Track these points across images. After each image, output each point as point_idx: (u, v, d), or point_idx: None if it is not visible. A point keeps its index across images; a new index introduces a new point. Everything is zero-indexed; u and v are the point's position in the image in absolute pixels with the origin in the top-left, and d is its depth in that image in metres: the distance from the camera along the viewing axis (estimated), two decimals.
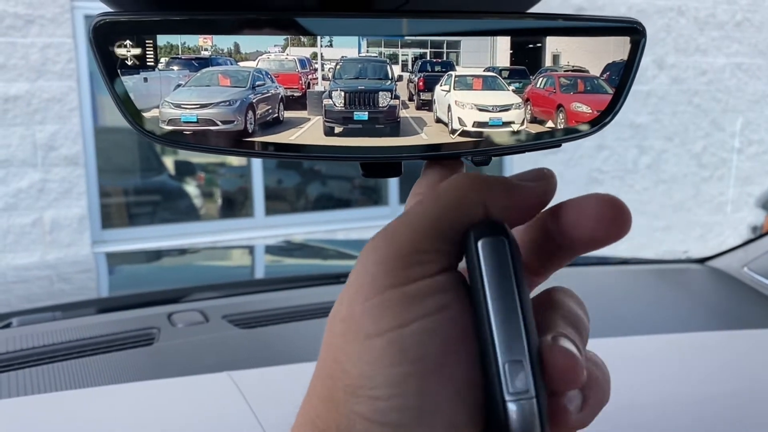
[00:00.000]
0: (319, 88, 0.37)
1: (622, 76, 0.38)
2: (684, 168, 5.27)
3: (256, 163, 4.11)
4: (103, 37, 0.34)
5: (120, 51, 0.34)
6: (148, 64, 0.35)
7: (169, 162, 4.27)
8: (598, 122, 0.39)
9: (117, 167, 3.97)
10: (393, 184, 4.37)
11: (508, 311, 0.29)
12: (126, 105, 0.35)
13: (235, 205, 4.34)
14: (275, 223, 4.19)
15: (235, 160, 4.36)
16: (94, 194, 3.71)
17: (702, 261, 1.38)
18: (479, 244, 0.29)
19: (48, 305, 1.10)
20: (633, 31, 0.38)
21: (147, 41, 0.35)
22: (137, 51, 0.34)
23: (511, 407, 0.28)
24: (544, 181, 0.32)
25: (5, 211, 3.47)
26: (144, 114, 0.36)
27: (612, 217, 0.31)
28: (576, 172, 4.85)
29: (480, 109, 0.38)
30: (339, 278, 1.31)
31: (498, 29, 0.38)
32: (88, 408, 0.75)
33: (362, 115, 0.37)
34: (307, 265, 1.83)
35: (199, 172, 4.34)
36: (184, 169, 4.32)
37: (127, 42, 0.34)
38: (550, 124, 0.39)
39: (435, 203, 0.30)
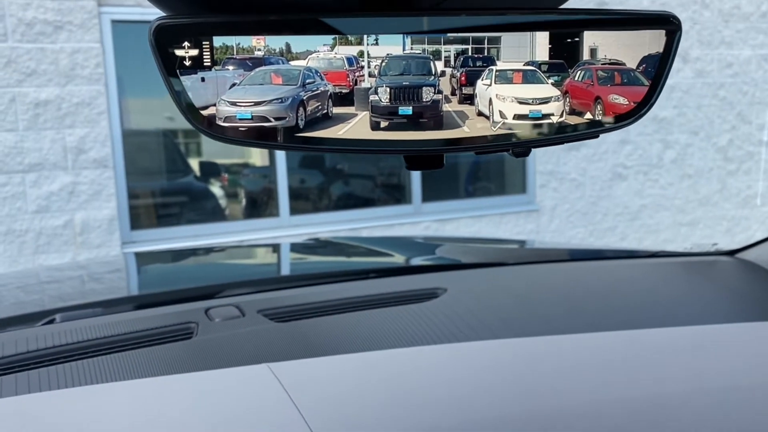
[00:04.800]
0: (365, 84, 0.39)
1: (658, 68, 0.40)
2: (710, 162, 5.21)
3: (281, 164, 4.15)
4: (161, 39, 0.36)
5: (179, 52, 0.36)
6: (204, 64, 0.37)
7: (194, 164, 4.32)
8: (635, 113, 0.40)
9: (144, 169, 4.03)
10: (416, 182, 4.38)
11: None
12: (184, 103, 0.37)
13: (260, 205, 4.38)
14: (300, 222, 4.23)
15: (258, 161, 4.40)
16: (123, 196, 3.78)
17: (732, 253, 1.37)
18: None
19: (89, 302, 1.13)
20: (668, 23, 0.39)
21: (204, 43, 0.37)
22: (194, 52, 0.37)
23: None
24: None
25: (37, 214, 3.55)
26: (201, 111, 0.38)
27: None
28: (599, 167, 4.82)
29: (520, 102, 0.40)
30: (367, 274, 1.32)
31: (532, 23, 0.39)
32: (133, 399, 0.77)
33: (407, 109, 0.39)
34: (333, 262, 1.85)
35: (222, 173, 4.39)
36: (210, 171, 4.38)
37: (185, 44, 0.36)
38: (588, 116, 0.40)
39: None
